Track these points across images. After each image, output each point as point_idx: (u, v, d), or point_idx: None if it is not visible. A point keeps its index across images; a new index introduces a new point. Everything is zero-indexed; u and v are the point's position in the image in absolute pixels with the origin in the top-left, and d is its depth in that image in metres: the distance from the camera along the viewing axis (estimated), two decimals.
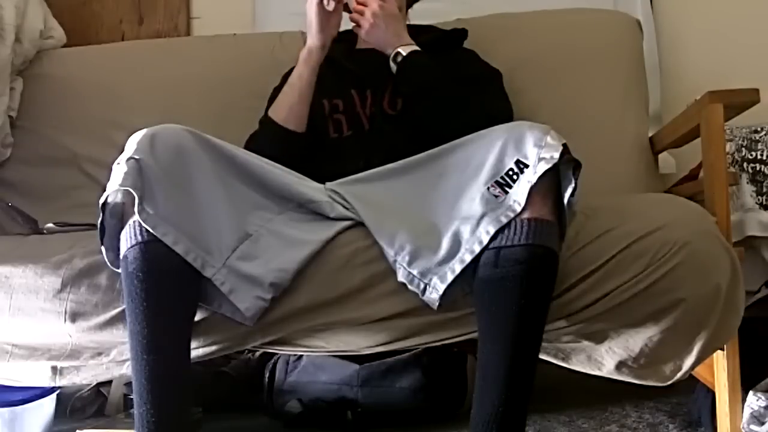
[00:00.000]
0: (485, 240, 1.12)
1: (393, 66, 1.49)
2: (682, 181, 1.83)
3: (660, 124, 2.01)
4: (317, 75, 1.52)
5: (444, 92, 1.45)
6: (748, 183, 1.69)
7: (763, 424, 1.31)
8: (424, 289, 1.16)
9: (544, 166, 1.11)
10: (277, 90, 1.58)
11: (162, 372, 1.10)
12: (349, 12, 1.53)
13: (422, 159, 1.30)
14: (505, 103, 1.55)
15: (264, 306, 1.18)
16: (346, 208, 1.28)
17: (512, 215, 1.11)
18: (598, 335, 1.23)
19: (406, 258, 1.17)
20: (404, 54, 1.48)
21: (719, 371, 1.33)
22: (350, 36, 1.63)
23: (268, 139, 1.51)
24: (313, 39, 1.51)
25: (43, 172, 1.89)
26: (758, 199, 1.67)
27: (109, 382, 1.86)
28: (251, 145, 1.51)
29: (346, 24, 1.65)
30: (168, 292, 1.13)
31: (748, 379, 1.33)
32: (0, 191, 1.86)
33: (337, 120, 1.55)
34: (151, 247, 1.11)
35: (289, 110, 1.50)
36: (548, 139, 1.13)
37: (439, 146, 1.29)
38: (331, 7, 1.47)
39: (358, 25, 1.52)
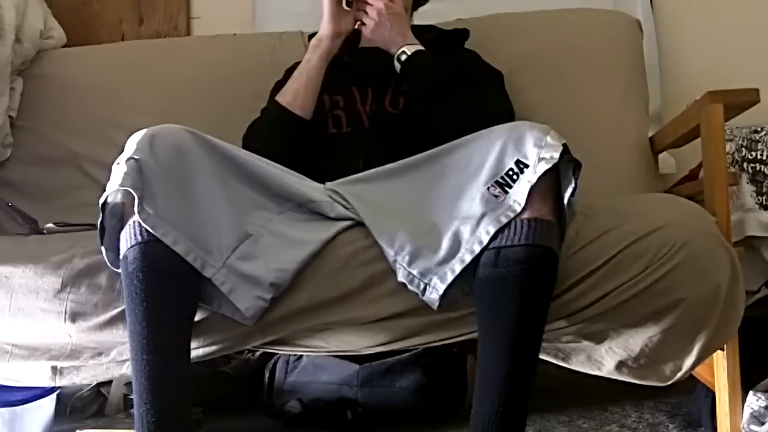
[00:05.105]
0: (485, 240, 1.12)
1: (397, 65, 1.50)
2: (682, 181, 1.83)
3: (660, 124, 2.01)
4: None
5: (447, 92, 1.45)
6: (748, 183, 1.69)
7: (763, 424, 1.31)
8: (424, 289, 1.16)
9: (544, 166, 1.11)
10: (279, 84, 1.59)
11: (162, 372, 1.10)
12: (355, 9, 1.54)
13: (422, 159, 1.30)
14: (507, 103, 1.55)
15: (264, 306, 1.18)
16: (346, 208, 1.28)
17: (512, 215, 1.11)
18: (598, 335, 1.23)
19: (406, 258, 1.17)
20: (409, 53, 1.48)
21: (719, 371, 1.33)
22: (354, 34, 1.63)
23: (270, 120, 1.51)
24: (323, 28, 1.52)
25: (43, 172, 1.90)
26: (758, 199, 1.67)
27: (109, 382, 1.86)
28: (252, 129, 1.52)
29: None
30: (168, 292, 1.13)
31: (748, 379, 1.33)
32: (0, 191, 1.86)
33: (336, 116, 1.55)
34: (151, 247, 1.11)
35: (294, 94, 1.50)
36: (548, 139, 1.13)
37: (439, 146, 1.30)
38: (343, 3, 1.50)
39: (363, 23, 1.52)
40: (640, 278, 1.15)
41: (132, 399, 1.13)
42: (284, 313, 1.21)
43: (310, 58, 1.52)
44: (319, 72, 1.51)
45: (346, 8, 1.52)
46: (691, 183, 1.68)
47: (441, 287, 1.14)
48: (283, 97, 1.51)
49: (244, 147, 1.38)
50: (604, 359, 1.27)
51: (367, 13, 1.50)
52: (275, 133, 1.49)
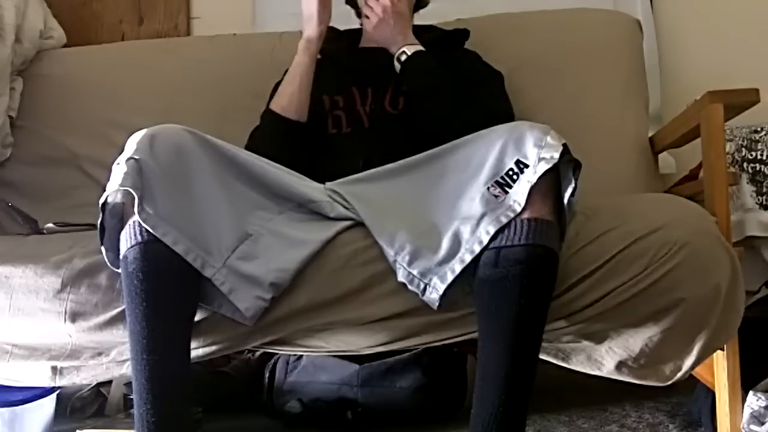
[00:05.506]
0: (485, 240, 1.12)
1: (397, 65, 1.50)
2: (682, 181, 1.83)
3: (660, 124, 2.01)
4: (316, 68, 1.53)
5: (447, 92, 1.45)
6: (748, 183, 1.69)
7: (763, 424, 1.31)
8: (424, 289, 1.16)
9: (544, 166, 1.11)
10: (279, 84, 1.59)
11: (162, 372, 1.10)
12: (357, 8, 1.54)
13: (422, 159, 1.30)
14: (506, 104, 1.55)
15: (264, 306, 1.18)
16: (346, 208, 1.28)
17: (512, 215, 1.11)
18: (598, 335, 1.23)
19: (406, 258, 1.17)
20: (409, 53, 1.49)
21: (719, 371, 1.33)
22: (353, 35, 1.63)
23: (268, 129, 1.52)
24: (312, 30, 1.53)
25: (43, 172, 1.90)
26: (758, 199, 1.67)
27: (109, 382, 1.86)
28: (253, 138, 1.52)
29: (349, 23, 1.66)
30: (168, 292, 1.13)
31: (748, 379, 1.33)
32: (0, 191, 1.86)
33: (336, 116, 1.55)
34: (151, 247, 1.11)
35: (289, 99, 1.51)
36: (548, 139, 1.13)
37: (439, 146, 1.30)
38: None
39: (367, 18, 1.53)
40: (640, 278, 1.15)
41: (132, 399, 1.13)
42: (284, 313, 1.21)
43: (300, 60, 1.53)
44: (310, 73, 1.52)
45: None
46: (691, 183, 1.68)
47: (441, 287, 1.14)
48: (278, 103, 1.51)
49: None
50: (604, 359, 1.27)
51: (371, 7, 1.51)
52: (274, 139, 1.49)
